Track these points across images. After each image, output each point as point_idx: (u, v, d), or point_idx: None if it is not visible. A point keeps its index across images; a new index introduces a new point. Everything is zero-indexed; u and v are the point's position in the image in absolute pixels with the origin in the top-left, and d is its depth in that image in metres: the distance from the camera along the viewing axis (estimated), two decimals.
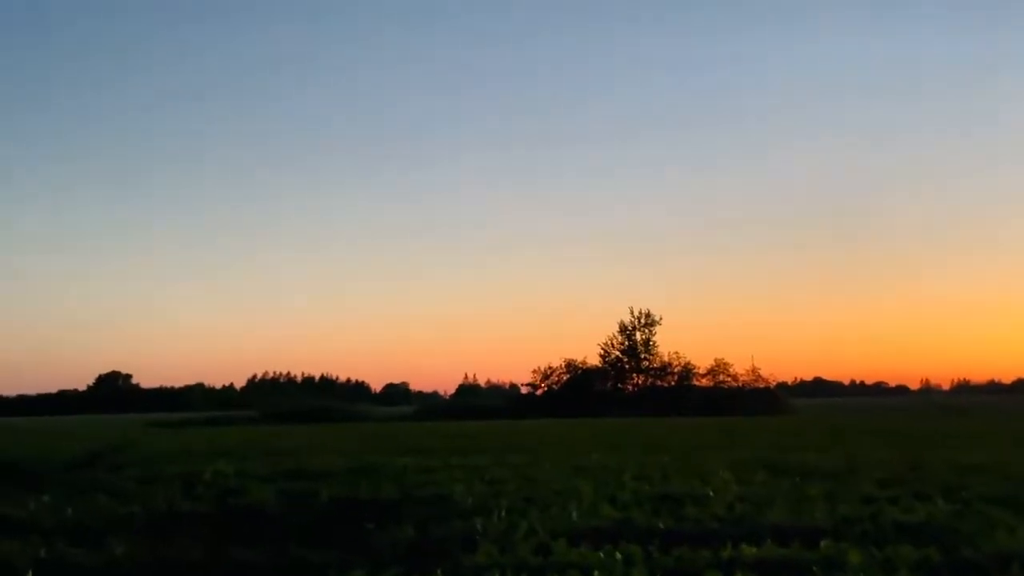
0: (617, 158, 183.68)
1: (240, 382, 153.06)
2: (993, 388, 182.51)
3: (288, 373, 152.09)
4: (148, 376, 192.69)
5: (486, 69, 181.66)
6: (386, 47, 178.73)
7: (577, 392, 72.56)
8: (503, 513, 10.15)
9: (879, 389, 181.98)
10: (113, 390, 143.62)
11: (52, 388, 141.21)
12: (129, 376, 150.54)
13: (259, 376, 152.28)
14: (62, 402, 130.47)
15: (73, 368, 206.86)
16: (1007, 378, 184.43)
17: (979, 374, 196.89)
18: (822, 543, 8.09)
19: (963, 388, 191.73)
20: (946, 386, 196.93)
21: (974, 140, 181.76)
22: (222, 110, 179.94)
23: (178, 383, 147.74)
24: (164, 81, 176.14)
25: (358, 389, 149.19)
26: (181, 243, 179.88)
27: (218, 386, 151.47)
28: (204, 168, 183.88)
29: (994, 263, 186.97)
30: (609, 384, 75.90)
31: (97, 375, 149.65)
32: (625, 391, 75.28)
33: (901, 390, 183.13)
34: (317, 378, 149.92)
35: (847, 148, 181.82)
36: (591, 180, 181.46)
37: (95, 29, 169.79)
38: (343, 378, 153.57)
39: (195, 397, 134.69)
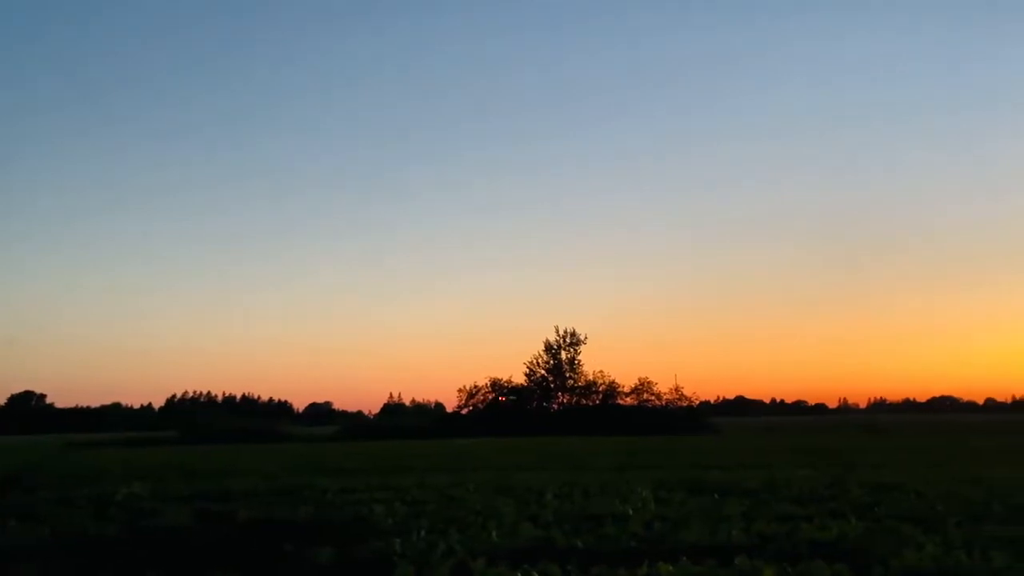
0: (542, 178, 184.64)
1: (159, 402, 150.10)
2: (908, 407, 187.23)
3: (208, 392, 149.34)
4: (63, 395, 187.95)
5: (411, 91, 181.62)
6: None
7: (502, 411, 72.58)
8: (423, 533, 10.08)
9: (799, 407, 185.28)
10: (26, 410, 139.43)
11: None
12: (43, 395, 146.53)
13: (178, 396, 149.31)
14: None
15: None
16: (922, 397, 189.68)
17: (895, 393, 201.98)
18: (737, 560, 8.17)
19: (880, 407, 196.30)
20: (863, 404, 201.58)
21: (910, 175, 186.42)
22: (139, 135, 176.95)
23: (94, 403, 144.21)
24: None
25: (280, 408, 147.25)
26: (96, 259, 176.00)
27: (136, 406, 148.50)
28: (124, 187, 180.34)
29: (910, 286, 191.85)
30: (534, 403, 76.01)
31: (9, 394, 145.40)
32: (550, 410, 75.46)
33: (820, 408, 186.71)
34: (238, 398, 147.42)
35: (773, 171, 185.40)
36: (515, 201, 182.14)
37: None
38: (265, 397, 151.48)
39: (112, 417, 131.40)
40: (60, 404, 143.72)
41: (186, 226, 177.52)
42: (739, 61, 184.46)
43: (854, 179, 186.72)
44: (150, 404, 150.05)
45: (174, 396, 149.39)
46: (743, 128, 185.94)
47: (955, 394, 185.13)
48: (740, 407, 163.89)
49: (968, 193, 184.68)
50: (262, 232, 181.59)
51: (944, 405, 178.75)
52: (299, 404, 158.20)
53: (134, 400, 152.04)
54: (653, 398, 74.71)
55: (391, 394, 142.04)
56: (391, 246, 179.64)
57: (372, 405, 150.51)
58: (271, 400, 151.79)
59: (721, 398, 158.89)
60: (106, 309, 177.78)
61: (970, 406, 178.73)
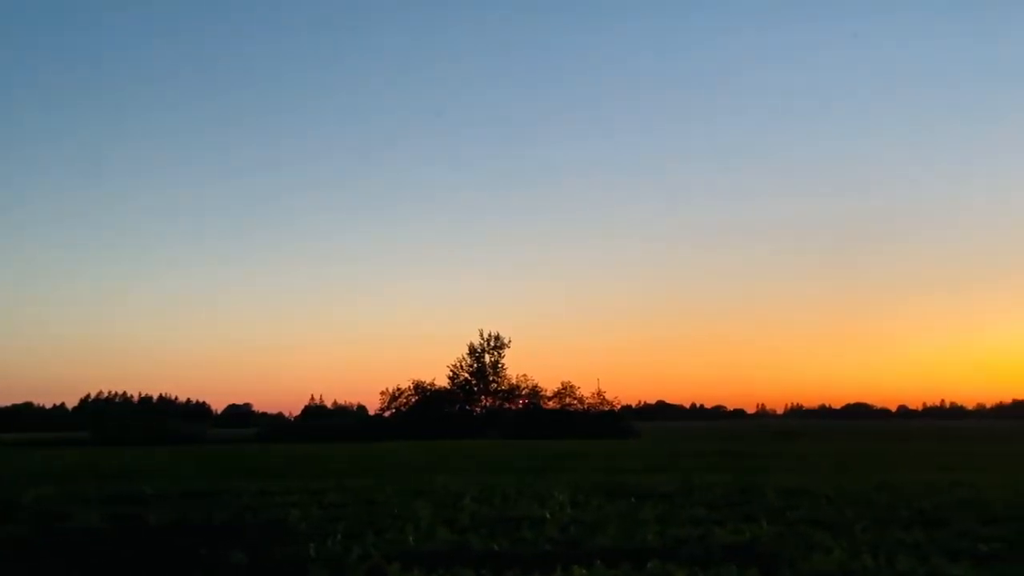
0: (465, 183, 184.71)
1: (72, 402, 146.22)
2: (824, 413, 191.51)
3: (124, 393, 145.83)
4: None
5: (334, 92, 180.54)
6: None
7: (425, 414, 72.37)
8: (338, 537, 10.02)
9: (718, 413, 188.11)
10: None
11: None
12: None
13: (92, 395, 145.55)
14: None
15: None
16: (837, 403, 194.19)
17: (811, 399, 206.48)
18: (649, 564, 8.28)
19: (796, 412, 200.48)
20: (780, 410, 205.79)
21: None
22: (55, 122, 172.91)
23: (4, 401, 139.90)
24: None
25: (198, 410, 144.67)
26: (7, 255, 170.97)
27: (48, 405, 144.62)
28: (37, 179, 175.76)
29: (827, 296, 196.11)
30: (457, 406, 75.94)
31: None
32: (473, 413, 75.49)
33: (738, 413, 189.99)
34: (155, 398, 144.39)
35: (691, 181, 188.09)
36: (438, 204, 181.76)
37: None
38: (182, 398, 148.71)
39: (23, 416, 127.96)
40: None
41: (101, 224, 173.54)
42: (679, 75, 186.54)
43: (778, 190, 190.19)
44: (63, 404, 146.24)
45: (88, 396, 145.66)
46: (666, 141, 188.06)
47: (869, 401, 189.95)
48: (661, 412, 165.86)
49: (888, 208, 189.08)
50: (179, 231, 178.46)
51: (858, 412, 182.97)
52: (218, 405, 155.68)
53: (46, 400, 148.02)
54: (575, 402, 75.22)
55: (312, 396, 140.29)
56: (311, 247, 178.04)
57: (293, 407, 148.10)
58: (188, 401, 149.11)
59: (643, 402, 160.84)
60: (17, 304, 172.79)
61: (883, 413, 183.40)
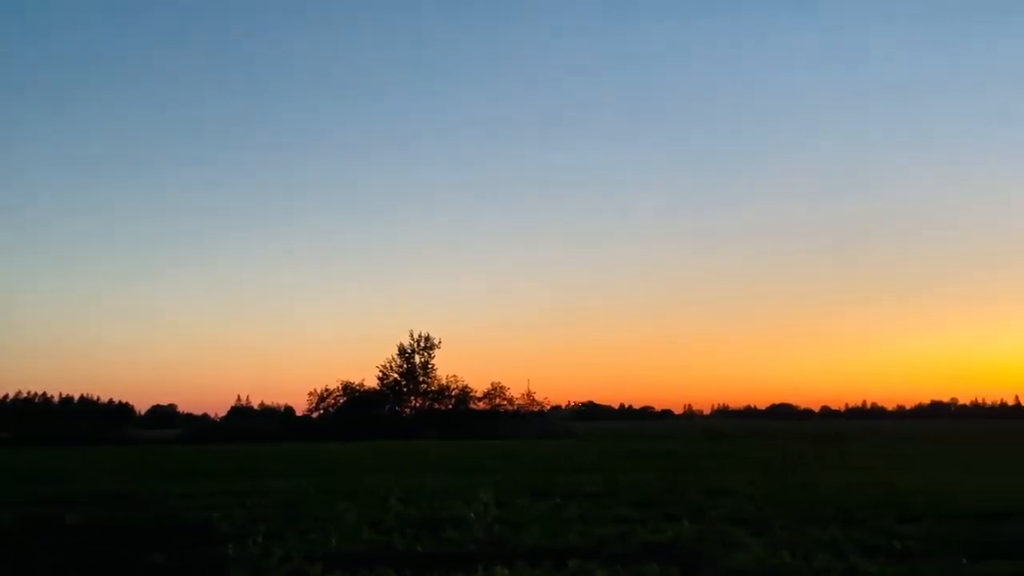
0: (397, 182, 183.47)
1: None
2: (750, 413, 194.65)
3: (44, 393, 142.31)
4: None
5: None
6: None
7: (354, 415, 71.85)
8: (259, 539, 9.90)
9: (646, 413, 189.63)
10: None
11: None
12: None
13: (11, 396, 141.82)
14: None
15: None
16: (762, 404, 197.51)
17: (737, 400, 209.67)
18: (570, 563, 8.32)
19: (722, 413, 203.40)
20: (707, 411, 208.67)
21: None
22: None
23: None
24: None
25: (121, 411, 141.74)
26: None
27: None
28: None
29: (752, 301, 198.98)
30: (387, 407, 75.54)
31: None
32: (403, 414, 75.14)
33: (666, 414, 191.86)
34: (76, 398, 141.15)
35: (620, 183, 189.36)
36: (368, 204, 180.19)
37: None
38: (104, 399, 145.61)
39: None
40: None
41: (25, 222, 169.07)
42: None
43: (724, 194, 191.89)
44: None
45: (6, 396, 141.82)
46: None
47: (793, 402, 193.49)
48: (590, 412, 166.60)
49: (817, 215, 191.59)
50: (101, 229, 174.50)
51: (783, 412, 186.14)
52: (141, 406, 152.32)
53: None
54: (505, 403, 75.32)
55: (239, 396, 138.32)
56: (237, 246, 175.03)
57: (219, 407, 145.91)
58: (111, 401, 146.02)
59: (572, 403, 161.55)
60: None
61: (807, 413, 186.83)
